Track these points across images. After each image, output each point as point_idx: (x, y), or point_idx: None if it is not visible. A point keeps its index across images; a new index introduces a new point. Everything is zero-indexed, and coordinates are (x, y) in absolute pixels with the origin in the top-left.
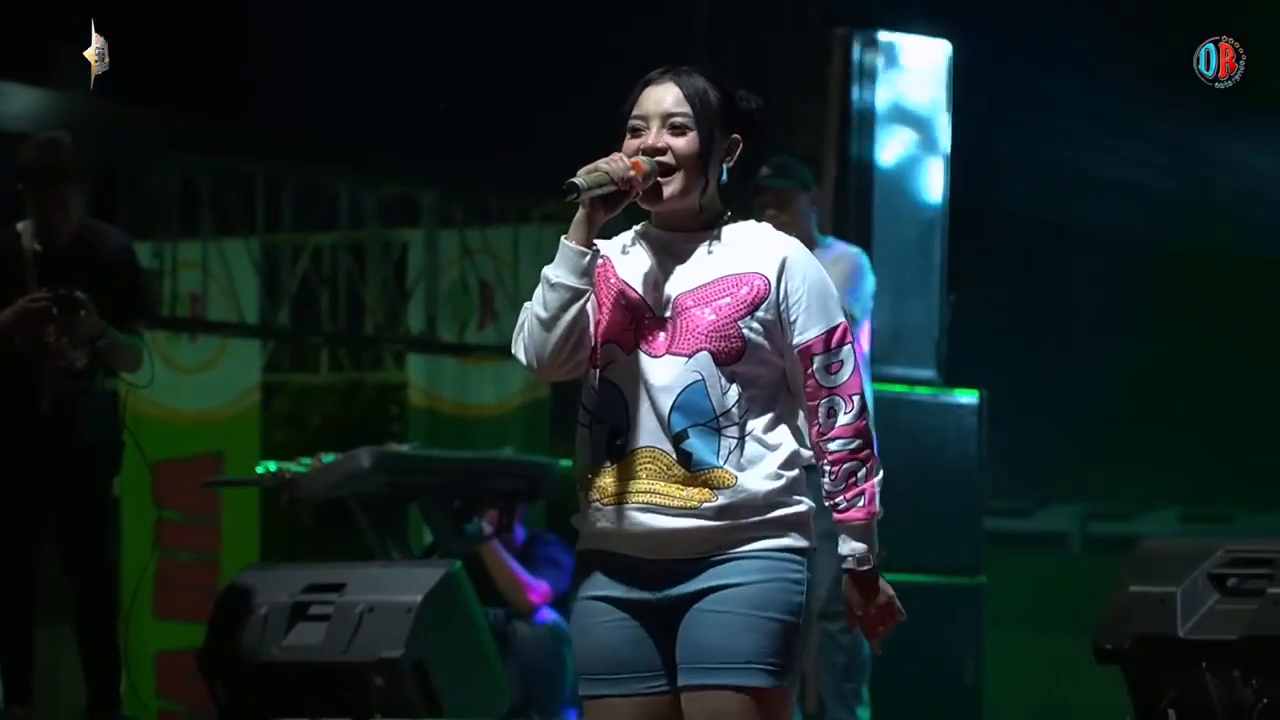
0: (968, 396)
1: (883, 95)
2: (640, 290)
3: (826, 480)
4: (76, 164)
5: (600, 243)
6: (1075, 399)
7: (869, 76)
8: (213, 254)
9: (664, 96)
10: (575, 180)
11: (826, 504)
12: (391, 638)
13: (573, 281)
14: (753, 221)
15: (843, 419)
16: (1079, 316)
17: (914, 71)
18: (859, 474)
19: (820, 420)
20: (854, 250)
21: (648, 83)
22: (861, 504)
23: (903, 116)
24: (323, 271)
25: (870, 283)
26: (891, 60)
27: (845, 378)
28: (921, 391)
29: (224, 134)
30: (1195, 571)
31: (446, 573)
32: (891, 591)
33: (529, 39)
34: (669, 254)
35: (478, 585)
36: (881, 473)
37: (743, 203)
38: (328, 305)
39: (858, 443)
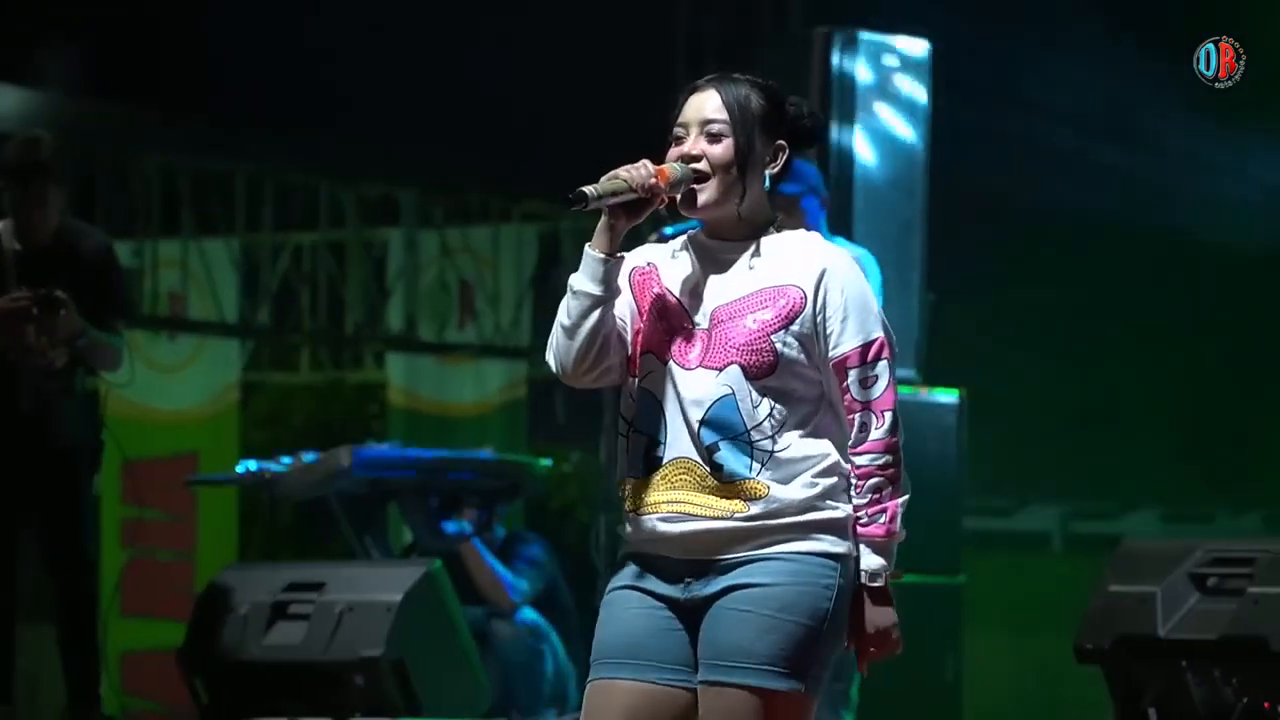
0: (948, 396)
1: (863, 95)
2: (681, 298)
3: (852, 493)
4: (57, 163)
5: (651, 248)
6: (1056, 399)
7: (849, 76)
8: (193, 253)
9: (704, 104)
10: (584, 189)
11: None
12: (371, 637)
13: (592, 289)
14: (801, 231)
15: (874, 434)
16: (1060, 316)
17: (895, 71)
18: (884, 491)
19: (852, 433)
20: (858, 252)
21: (693, 90)
22: (883, 521)
23: (884, 116)
24: (303, 270)
25: (874, 284)
26: (872, 60)
27: (879, 393)
28: (901, 391)
29: (204, 133)
30: (1176, 571)
31: (426, 572)
32: (895, 619)
33: (509, 39)
34: (712, 262)
35: (457, 584)
36: (908, 494)
37: None
38: (308, 304)
39: (886, 459)
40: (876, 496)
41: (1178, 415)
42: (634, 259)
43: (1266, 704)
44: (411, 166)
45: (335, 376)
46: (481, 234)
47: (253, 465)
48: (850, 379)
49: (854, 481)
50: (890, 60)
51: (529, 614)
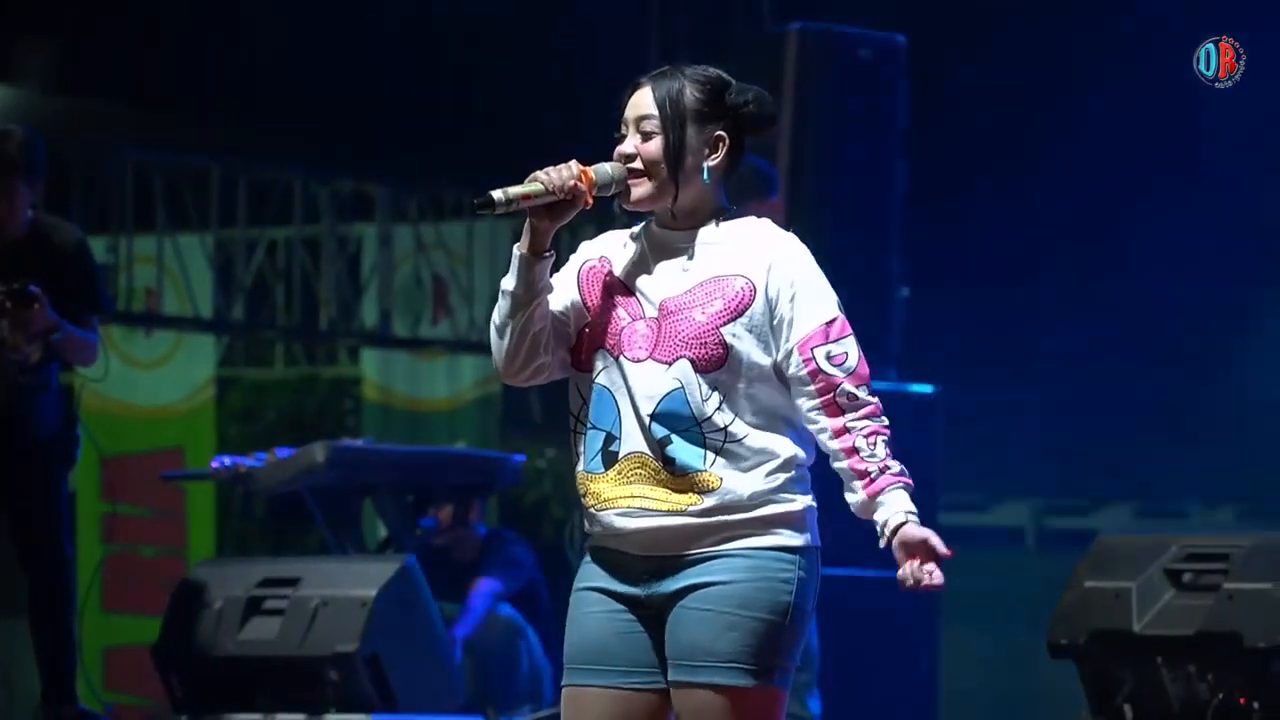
0: (923, 390)
1: (837, 91)
2: (631, 290)
3: (861, 457)
4: (27, 156)
5: (606, 238)
6: (1029, 394)
7: (823, 72)
8: (168, 249)
9: (639, 101)
10: (493, 193)
11: (863, 481)
12: (346, 632)
13: (515, 288)
14: (751, 219)
15: (864, 399)
16: (1036, 312)
17: (869, 66)
18: (890, 448)
19: (842, 407)
20: None
21: (635, 87)
22: (900, 471)
23: (858, 112)
24: (277, 266)
25: None
26: (846, 56)
27: (854, 366)
28: (876, 385)
29: (179, 129)
30: (1151, 567)
31: (401, 567)
32: (925, 533)
33: (483, 35)
34: (661, 253)
35: (432, 580)
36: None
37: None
38: (282, 300)
39: (883, 420)
40: (889, 451)
41: (1152, 410)
42: (586, 253)
43: (1242, 700)
44: (385, 162)
45: (309, 372)
46: (456, 230)
47: (227, 460)
48: (818, 358)
49: (864, 445)
50: (865, 54)
51: (506, 610)
